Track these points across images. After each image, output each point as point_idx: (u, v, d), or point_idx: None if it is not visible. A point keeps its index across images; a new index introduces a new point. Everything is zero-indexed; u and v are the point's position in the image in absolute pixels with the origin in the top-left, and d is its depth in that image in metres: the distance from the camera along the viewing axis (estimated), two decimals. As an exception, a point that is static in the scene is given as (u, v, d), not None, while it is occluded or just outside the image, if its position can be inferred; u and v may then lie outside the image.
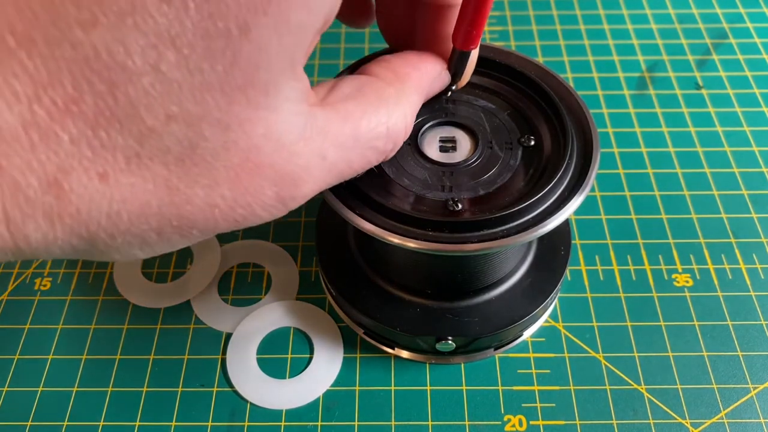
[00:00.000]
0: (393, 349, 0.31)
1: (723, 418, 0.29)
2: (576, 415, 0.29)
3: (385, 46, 0.28)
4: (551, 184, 0.25)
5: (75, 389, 0.31)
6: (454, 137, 0.27)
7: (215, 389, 0.31)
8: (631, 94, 0.42)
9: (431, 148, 0.27)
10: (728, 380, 0.30)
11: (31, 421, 0.30)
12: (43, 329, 0.33)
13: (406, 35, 0.26)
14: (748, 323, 0.32)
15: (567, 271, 0.33)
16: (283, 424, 0.30)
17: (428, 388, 0.31)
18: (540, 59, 0.44)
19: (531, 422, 0.29)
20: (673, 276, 0.34)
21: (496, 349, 0.31)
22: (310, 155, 0.19)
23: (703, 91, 0.42)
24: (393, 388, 0.31)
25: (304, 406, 0.30)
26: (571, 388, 0.30)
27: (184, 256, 0.35)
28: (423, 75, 0.24)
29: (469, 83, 0.28)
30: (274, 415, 0.30)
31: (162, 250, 0.18)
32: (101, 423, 0.30)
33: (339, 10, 0.19)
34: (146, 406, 0.30)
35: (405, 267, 0.30)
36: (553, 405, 0.30)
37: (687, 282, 0.34)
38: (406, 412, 0.30)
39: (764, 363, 0.31)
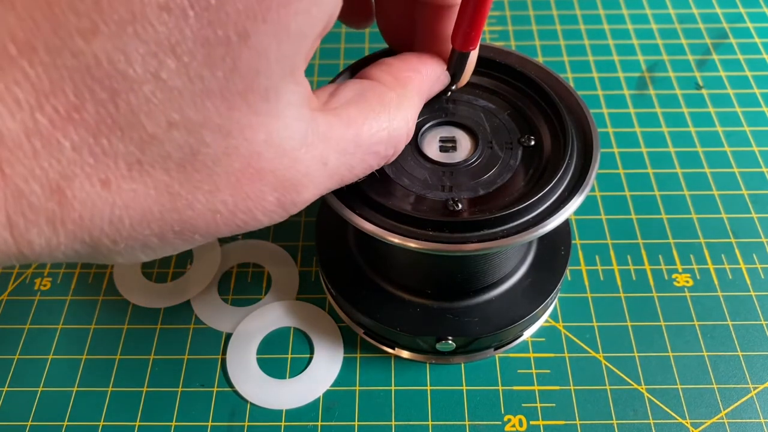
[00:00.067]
0: (393, 349, 0.31)
1: (723, 418, 0.29)
2: (576, 415, 0.30)
3: (385, 45, 0.28)
4: (551, 184, 0.25)
5: (75, 389, 0.31)
6: (454, 137, 0.27)
7: (215, 389, 0.31)
8: (631, 94, 0.42)
9: (431, 148, 0.27)
10: (728, 380, 0.30)
11: (31, 421, 0.30)
12: (43, 329, 0.33)
13: (405, 35, 0.26)
14: (748, 323, 0.32)
15: (567, 271, 0.33)
16: (283, 424, 0.30)
17: (428, 388, 0.31)
18: (540, 59, 0.44)
19: (531, 422, 0.29)
20: (673, 276, 0.34)
21: (496, 349, 0.31)
22: (312, 161, 0.19)
23: (703, 91, 0.42)
24: (393, 388, 0.31)
25: (304, 406, 0.30)
26: (571, 388, 0.30)
27: (184, 256, 0.35)
28: (424, 78, 0.24)
29: (469, 83, 0.28)
30: (274, 415, 0.30)
31: (164, 254, 0.18)
32: (101, 423, 0.30)
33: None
34: (146, 406, 0.30)
35: (405, 267, 0.30)
36: (553, 405, 0.30)
37: (687, 282, 0.34)
38: (406, 412, 0.30)
39: (764, 363, 0.31)
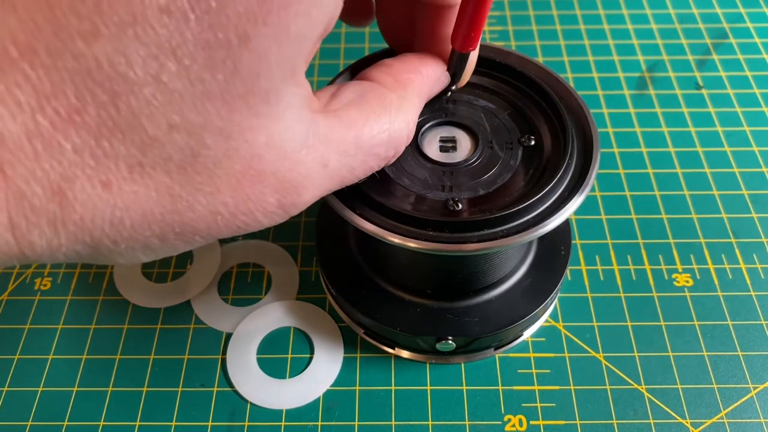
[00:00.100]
0: (393, 349, 0.31)
1: (723, 418, 0.29)
2: (576, 415, 0.30)
3: (385, 45, 0.28)
4: (551, 184, 0.25)
5: (75, 389, 0.31)
6: (454, 137, 0.27)
7: (215, 389, 0.31)
8: (631, 94, 0.42)
9: (431, 148, 0.27)
10: (728, 380, 0.30)
11: (31, 421, 0.30)
12: (43, 329, 0.33)
13: (405, 36, 0.26)
14: (748, 323, 0.32)
15: (567, 271, 0.33)
16: (283, 424, 0.30)
17: (428, 388, 0.31)
18: (540, 59, 0.44)
19: (531, 422, 0.29)
20: (673, 276, 0.34)
21: (496, 349, 0.31)
22: (312, 163, 0.19)
23: (703, 91, 0.42)
24: (393, 388, 0.31)
25: (304, 406, 0.30)
26: (572, 388, 0.30)
27: (184, 257, 0.35)
28: (424, 79, 0.24)
29: (469, 83, 0.28)
30: (274, 415, 0.30)
31: (164, 255, 0.18)
32: (101, 423, 0.30)
33: None
34: (146, 406, 0.30)
35: (405, 267, 0.30)
36: (554, 405, 0.30)
37: (687, 282, 0.34)
38: (406, 412, 0.30)
39: (764, 363, 0.31)
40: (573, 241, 0.34)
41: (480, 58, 0.28)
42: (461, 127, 0.28)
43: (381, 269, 0.31)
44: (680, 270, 0.34)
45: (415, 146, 0.27)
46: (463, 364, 0.31)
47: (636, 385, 0.30)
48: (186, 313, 0.33)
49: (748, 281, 0.34)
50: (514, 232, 0.24)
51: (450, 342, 0.29)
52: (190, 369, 0.31)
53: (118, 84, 0.15)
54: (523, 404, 0.30)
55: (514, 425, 0.29)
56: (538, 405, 0.30)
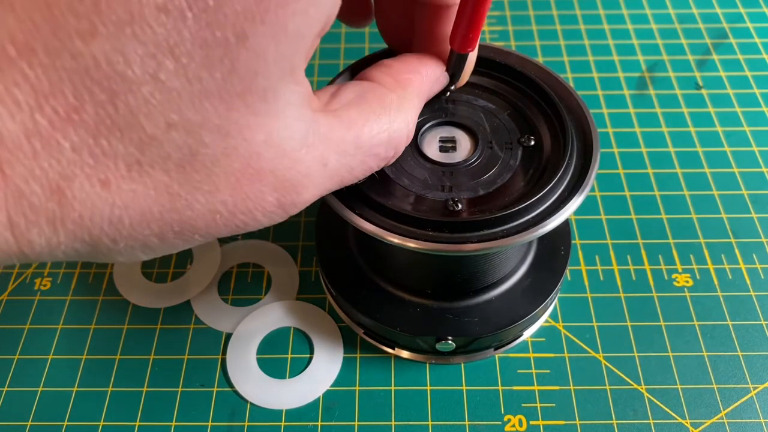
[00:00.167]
0: (393, 349, 0.31)
1: (723, 418, 0.29)
2: (576, 415, 0.30)
3: (385, 45, 0.28)
4: (551, 184, 0.25)
5: (75, 389, 0.31)
6: (454, 137, 0.27)
7: (215, 389, 0.31)
8: (631, 94, 0.42)
9: (431, 148, 0.27)
10: (728, 380, 0.30)
11: (31, 421, 0.30)
12: (43, 329, 0.33)
13: (404, 36, 0.26)
14: (748, 323, 0.32)
15: (567, 271, 0.33)
16: (283, 424, 0.30)
17: (428, 388, 0.31)
18: (540, 59, 0.44)
19: (531, 422, 0.29)
20: (673, 276, 0.34)
21: (496, 349, 0.31)
22: (312, 162, 0.19)
23: (703, 91, 0.42)
24: (393, 388, 0.31)
25: (304, 406, 0.30)
26: (571, 388, 0.30)
27: (184, 256, 0.35)
28: (423, 79, 0.24)
29: (469, 83, 0.28)
30: (274, 415, 0.30)
31: (164, 253, 0.18)
32: (101, 423, 0.30)
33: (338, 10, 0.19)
34: (146, 406, 0.30)
35: (405, 267, 0.30)
36: (553, 405, 0.30)
37: (687, 282, 0.34)
38: (406, 412, 0.30)
39: (764, 363, 0.31)
40: (573, 241, 0.34)
41: (480, 58, 0.28)
42: (461, 127, 0.28)
43: (381, 269, 0.31)
44: (680, 270, 0.34)
45: (415, 146, 0.27)
46: (463, 364, 0.31)
47: (636, 386, 0.30)
48: (186, 313, 0.33)
49: (748, 281, 0.34)
50: (514, 232, 0.24)
51: (450, 342, 0.29)
52: (190, 369, 0.31)
53: (116, 83, 0.15)
54: (523, 404, 0.30)
55: (514, 425, 0.29)
56: (538, 405, 0.30)
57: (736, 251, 0.35)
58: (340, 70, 0.33)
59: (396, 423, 0.30)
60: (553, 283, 0.31)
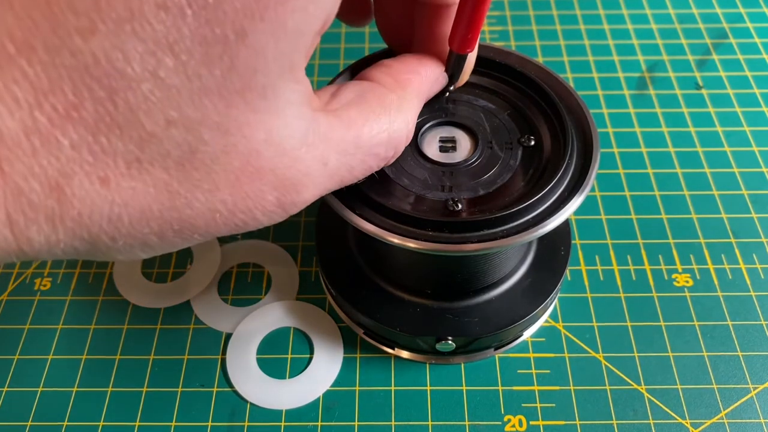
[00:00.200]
0: (393, 349, 0.31)
1: (723, 418, 0.29)
2: (576, 415, 0.29)
3: (385, 46, 0.28)
4: (551, 184, 0.25)
5: (75, 389, 0.31)
6: (454, 137, 0.27)
7: (215, 389, 0.31)
8: (631, 94, 0.42)
9: (431, 148, 0.27)
10: (728, 380, 0.30)
11: (31, 421, 0.30)
12: (43, 329, 0.33)
13: (404, 36, 0.26)
14: (748, 323, 0.32)
15: (567, 271, 0.33)
16: (283, 424, 0.30)
17: (428, 388, 0.31)
18: (540, 59, 0.44)
19: (531, 422, 0.29)
20: (673, 276, 0.34)
21: (496, 349, 0.31)
22: (312, 161, 0.19)
23: (703, 91, 0.42)
24: (393, 388, 0.31)
25: (304, 406, 0.30)
26: (571, 388, 0.30)
27: (184, 256, 0.35)
28: (423, 80, 0.24)
29: (469, 83, 0.28)
30: (274, 415, 0.30)
31: (163, 251, 0.18)
32: (101, 423, 0.30)
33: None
34: (146, 406, 0.30)
35: (405, 267, 0.30)
36: (553, 405, 0.30)
37: (687, 282, 0.34)
38: (406, 412, 0.30)
39: (764, 363, 0.31)
40: (573, 241, 0.34)
41: (480, 58, 0.28)
42: (461, 127, 0.28)
43: (381, 269, 0.31)
44: (680, 270, 0.34)
45: (415, 146, 0.27)
46: (463, 365, 0.31)
47: (636, 386, 0.30)
48: (186, 313, 0.33)
49: (748, 281, 0.34)
50: (514, 232, 0.24)
51: (450, 342, 0.29)
52: (190, 369, 0.31)
53: (115, 80, 0.15)
54: (523, 404, 0.30)
55: (514, 425, 0.29)
56: (538, 405, 0.30)
57: (736, 251, 0.35)
58: (340, 70, 0.33)
59: (396, 423, 0.30)
60: (553, 283, 0.31)
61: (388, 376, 0.31)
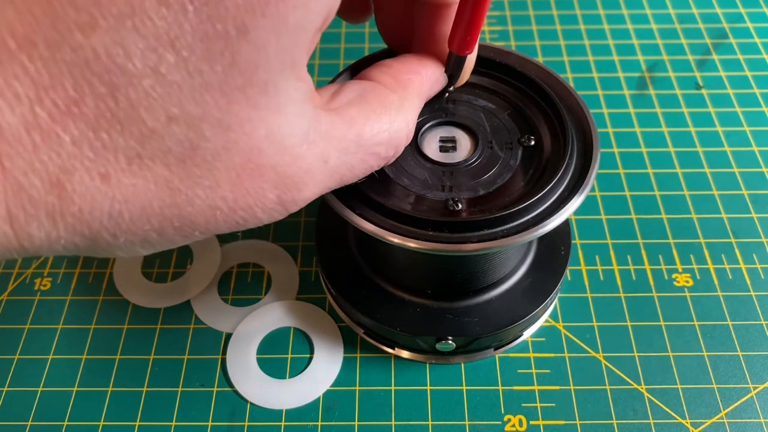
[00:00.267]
0: (393, 349, 0.31)
1: (723, 418, 0.29)
2: (576, 415, 0.29)
3: (385, 45, 0.28)
4: (551, 184, 0.25)
5: (75, 389, 0.31)
6: (454, 137, 0.27)
7: (215, 389, 0.31)
8: (631, 94, 0.42)
9: (431, 148, 0.27)
10: (728, 380, 0.30)
11: (31, 421, 0.30)
12: (43, 329, 0.33)
13: (404, 36, 0.26)
14: (748, 323, 0.32)
15: (567, 271, 0.33)
16: (283, 424, 0.30)
17: (428, 388, 0.31)
18: (540, 59, 0.44)
19: (531, 422, 0.29)
20: (673, 276, 0.34)
21: (496, 349, 0.31)
22: (313, 159, 0.19)
23: (703, 91, 0.42)
24: (393, 388, 0.31)
25: (304, 406, 0.30)
26: (571, 388, 0.30)
27: (184, 256, 0.35)
28: (424, 80, 0.24)
29: (469, 83, 0.28)
30: (274, 415, 0.30)
31: (163, 248, 0.18)
32: (101, 423, 0.30)
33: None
34: (146, 406, 0.30)
35: (405, 267, 0.30)
36: (553, 405, 0.30)
37: (687, 282, 0.34)
38: (406, 412, 0.30)
39: (764, 363, 0.31)
40: (573, 241, 0.34)
41: (480, 58, 0.28)
42: (461, 127, 0.28)
43: (381, 269, 0.31)
44: (680, 270, 0.34)
45: (415, 146, 0.27)
46: (463, 364, 0.31)
47: (636, 385, 0.30)
48: (186, 313, 0.33)
49: (748, 281, 0.34)
50: (514, 232, 0.24)
51: (450, 342, 0.29)
52: (190, 369, 0.31)
53: (116, 76, 0.15)
54: (523, 404, 0.30)
55: (514, 425, 0.29)
56: (538, 405, 0.30)
57: (736, 251, 0.35)
58: (340, 70, 0.33)
59: (396, 423, 0.29)
60: (553, 283, 0.31)
61: (388, 376, 0.31)
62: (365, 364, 0.31)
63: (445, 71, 0.26)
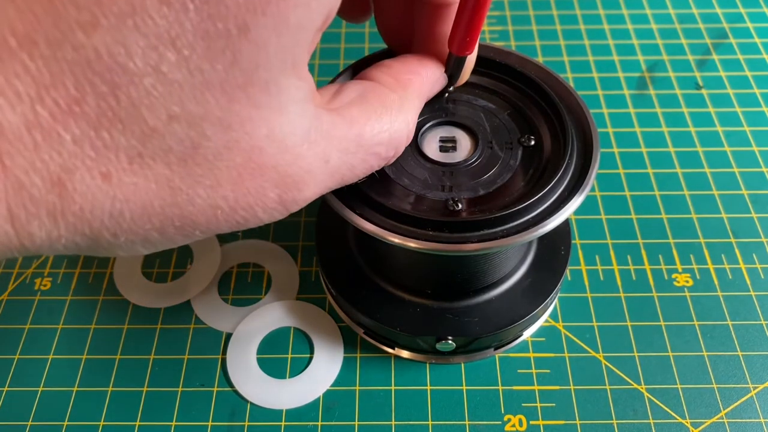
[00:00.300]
0: (393, 349, 0.31)
1: (723, 418, 0.29)
2: (576, 415, 0.30)
3: (385, 45, 0.28)
4: (551, 184, 0.25)
5: (75, 389, 0.31)
6: (454, 137, 0.28)
7: (215, 389, 0.31)
8: (631, 94, 0.42)
9: (431, 148, 0.27)
10: (728, 380, 0.30)
11: (31, 421, 0.30)
12: (43, 329, 0.33)
13: (404, 36, 0.26)
14: (748, 323, 0.32)
15: (567, 271, 0.33)
16: (283, 424, 0.30)
17: (428, 388, 0.31)
18: (540, 59, 0.44)
19: (531, 422, 0.29)
20: (673, 276, 0.34)
21: (496, 349, 0.31)
22: (314, 158, 0.19)
23: (703, 91, 0.42)
24: (393, 388, 0.31)
25: (304, 406, 0.30)
26: (571, 388, 0.30)
27: (185, 256, 0.35)
28: (424, 80, 0.24)
29: (469, 83, 0.28)
30: (274, 415, 0.30)
31: (164, 247, 0.19)
32: (101, 423, 0.30)
33: None
34: (146, 406, 0.30)
35: (405, 267, 0.30)
36: (553, 405, 0.30)
37: (687, 282, 0.34)
38: (406, 412, 0.30)
39: (764, 363, 0.31)
40: (573, 241, 0.34)
41: (480, 58, 0.28)
42: (461, 127, 0.28)
43: (381, 269, 0.31)
44: (680, 270, 0.34)
45: (415, 146, 0.27)
46: (463, 364, 0.31)
47: (636, 385, 0.30)
48: (186, 313, 0.33)
49: (748, 281, 0.34)
50: (514, 232, 0.24)
51: (450, 342, 0.29)
52: (190, 369, 0.31)
53: (117, 75, 0.15)
54: (523, 404, 0.30)
55: (514, 425, 0.29)
56: (538, 405, 0.30)
57: (736, 251, 0.35)
58: (340, 70, 0.33)
59: (396, 423, 0.29)
60: (553, 283, 0.31)
61: (388, 375, 0.31)
62: (365, 364, 0.31)
63: (445, 71, 0.26)
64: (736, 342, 0.31)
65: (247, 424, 0.30)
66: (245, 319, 0.33)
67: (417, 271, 0.30)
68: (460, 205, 0.25)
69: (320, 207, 0.34)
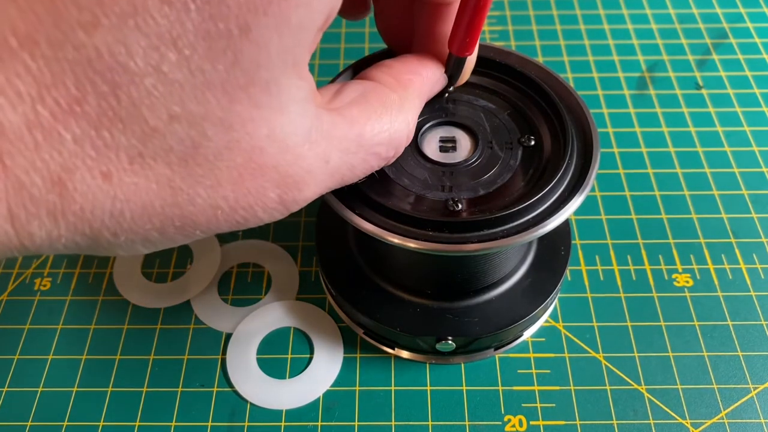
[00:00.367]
0: (393, 349, 0.31)
1: (723, 418, 0.29)
2: (576, 415, 0.29)
3: (385, 45, 0.28)
4: (551, 184, 0.25)
5: (75, 389, 0.31)
6: (454, 137, 0.27)
7: (215, 389, 0.31)
8: (631, 94, 0.42)
9: (431, 148, 0.27)
10: (728, 380, 0.30)
11: (31, 421, 0.30)
12: (43, 329, 0.33)
13: (404, 36, 0.26)
14: (748, 323, 0.32)
15: (567, 271, 0.33)
16: (283, 424, 0.30)
17: (428, 388, 0.31)
18: (540, 59, 0.44)
19: (531, 422, 0.29)
20: (673, 276, 0.34)
21: (496, 349, 0.31)
22: (314, 158, 0.19)
23: (703, 91, 0.42)
24: (393, 388, 0.31)
25: (304, 406, 0.30)
26: (571, 388, 0.30)
27: (184, 256, 0.35)
28: (424, 80, 0.24)
29: (469, 83, 0.28)
30: (274, 415, 0.30)
31: (164, 247, 0.19)
32: (101, 423, 0.30)
33: None
34: (146, 406, 0.30)
35: (405, 267, 0.30)
36: (553, 405, 0.30)
37: (687, 282, 0.34)
38: (406, 412, 0.30)
39: (764, 363, 0.31)
40: (573, 241, 0.34)
41: (480, 58, 0.28)
42: (461, 127, 0.28)
43: (381, 269, 0.31)
44: (680, 270, 0.34)
45: (415, 146, 0.27)
46: (463, 365, 0.31)
47: (636, 386, 0.30)
48: (186, 313, 0.33)
49: (748, 281, 0.34)
50: (514, 232, 0.24)
51: (450, 342, 0.29)
52: (190, 369, 0.31)
53: (118, 74, 0.15)
54: (523, 404, 0.30)
55: (514, 425, 0.29)
56: (538, 405, 0.30)
57: (736, 251, 0.35)
58: (340, 70, 0.33)
59: (396, 423, 0.29)
60: (553, 283, 0.31)
61: (388, 376, 0.31)
62: (365, 364, 0.31)
63: (445, 72, 0.26)
64: (736, 342, 0.31)
65: (246, 424, 0.30)
66: (245, 319, 0.33)
67: (417, 271, 0.30)
68: (460, 206, 0.25)
69: (320, 207, 0.34)
